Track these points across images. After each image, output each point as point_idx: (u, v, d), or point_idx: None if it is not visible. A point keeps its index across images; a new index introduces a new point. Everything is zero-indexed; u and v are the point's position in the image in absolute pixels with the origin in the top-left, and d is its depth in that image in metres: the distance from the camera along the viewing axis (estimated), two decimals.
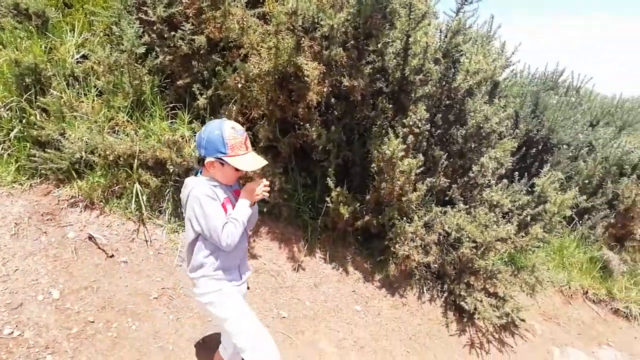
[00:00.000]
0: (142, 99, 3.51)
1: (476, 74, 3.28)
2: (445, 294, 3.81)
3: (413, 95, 3.51)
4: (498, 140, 3.82)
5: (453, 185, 3.70)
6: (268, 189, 2.18)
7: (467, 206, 3.60)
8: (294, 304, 3.44)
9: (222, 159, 2.01)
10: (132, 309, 2.94)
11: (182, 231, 3.43)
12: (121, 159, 3.25)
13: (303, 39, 3.02)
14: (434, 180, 3.54)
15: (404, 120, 3.31)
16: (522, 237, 3.48)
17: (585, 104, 4.89)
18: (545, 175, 3.47)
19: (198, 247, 2.08)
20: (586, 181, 4.60)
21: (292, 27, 3.01)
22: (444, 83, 3.56)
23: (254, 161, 2.10)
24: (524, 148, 4.55)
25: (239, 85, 3.09)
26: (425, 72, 3.32)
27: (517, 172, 4.02)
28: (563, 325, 4.15)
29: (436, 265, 3.75)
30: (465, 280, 3.62)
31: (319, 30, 3.00)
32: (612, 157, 4.44)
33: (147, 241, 3.32)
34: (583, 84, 5.87)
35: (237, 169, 2.05)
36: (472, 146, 3.72)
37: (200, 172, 2.13)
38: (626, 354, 3.99)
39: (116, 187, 3.34)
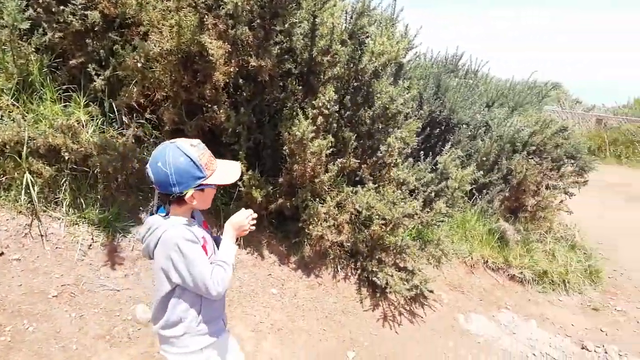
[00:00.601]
0: (30, 80, 3.19)
1: (381, 56, 3.37)
2: (359, 271, 3.93)
3: (322, 76, 3.53)
4: (404, 121, 3.97)
5: (363, 166, 3.80)
6: (255, 221, 1.86)
7: (376, 185, 3.72)
8: None
9: (202, 184, 1.69)
10: (28, 309, 2.71)
11: (82, 223, 3.20)
12: (7, 146, 2.95)
13: (206, 16, 2.90)
14: (345, 161, 3.60)
15: (313, 102, 3.32)
16: (428, 212, 3.67)
17: (481, 86, 5.23)
18: (446, 154, 3.66)
19: (175, 302, 1.74)
20: (484, 158, 4.94)
21: (194, 4, 2.88)
22: (351, 65, 3.62)
23: (231, 168, 1.81)
24: (428, 128, 4.79)
25: (139, 65, 2.91)
26: (333, 53, 3.35)
27: (422, 152, 4.22)
28: (467, 293, 4.45)
29: (349, 244, 3.84)
30: (377, 257, 3.76)
31: (223, 8, 2.90)
32: (506, 136, 4.81)
33: (42, 236, 3.05)
34: (480, 67, 6.29)
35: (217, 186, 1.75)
36: (380, 127, 3.83)
37: (163, 211, 1.73)
38: (521, 315, 4.37)
39: (3, 178, 3.03)
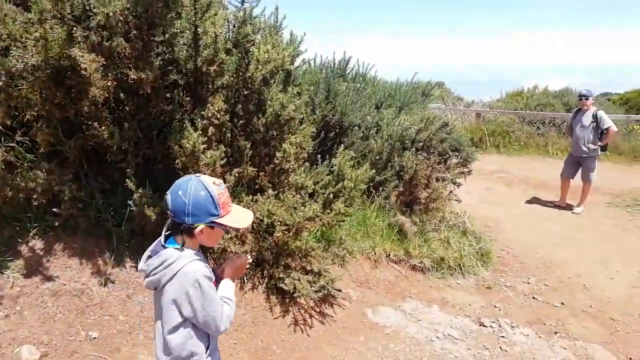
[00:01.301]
0: None
1: (267, 63, 3.39)
2: (267, 279, 3.90)
3: (210, 86, 3.47)
4: (298, 126, 4.03)
5: (261, 173, 3.79)
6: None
7: (276, 192, 3.73)
8: (105, 322, 3.14)
9: (214, 222, 1.71)
10: None
11: None
12: None
13: (75, 28, 2.71)
14: (242, 170, 3.57)
15: (202, 113, 3.25)
16: (328, 213, 3.75)
17: (369, 89, 5.48)
18: (340, 155, 3.78)
19: (186, 334, 1.73)
20: (377, 157, 5.17)
21: (60, 16, 2.68)
22: (240, 73, 3.60)
23: (244, 214, 1.84)
24: (323, 132, 4.90)
25: (0, 84, 2.64)
26: (219, 62, 3.31)
27: (319, 155, 4.31)
28: (373, 287, 4.62)
29: (254, 253, 3.80)
30: (283, 263, 3.76)
31: (94, 19, 2.73)
32: (395, 134, 5.08)
33: None
34: (367, 70, 6.58)
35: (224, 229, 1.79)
36: (275, 134, 3.85)
37: (175, 242, 1.74)
38: (425, 302, 4.61)
39: None
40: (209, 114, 3.21)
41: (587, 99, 7.16)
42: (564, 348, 3.96)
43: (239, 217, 1.79)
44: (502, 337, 4.07)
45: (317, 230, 4.24)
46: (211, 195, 1.68)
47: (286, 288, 3.65)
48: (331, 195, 3.83)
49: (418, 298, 4.68)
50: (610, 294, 4.87)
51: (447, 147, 5.56)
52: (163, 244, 1.75)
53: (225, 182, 3.46)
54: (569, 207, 7.48)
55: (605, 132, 6.99)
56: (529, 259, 5.64)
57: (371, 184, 5.36)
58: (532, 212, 7.27)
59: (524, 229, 6.57)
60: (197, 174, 1.74)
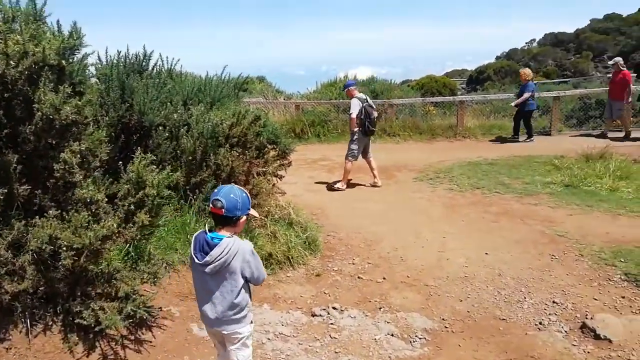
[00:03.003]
0: None
1: (23, 59, 2.77)
2: (62, 316, 3.28)
3: None
4: (83, 131, 3.44)
5: (37, 191, 3.13)
6: None
7: (60, 211, 3.12)
8: None
9: (248, 213, 2.60)
10: None
11: None
12: None
13: None
14: (6, 190, 2.88)
15: None
16: (130, 227, 3.28)
17: (169, 84, 5.04)
18: (137, 160, 3.32)
19: (244, 290, 2.61)
20: (190, 158, 4.80)
21: None
22: None
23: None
24: (123, 136, 4.35)
25: None
26: None
27: (121, 162, 3.77)
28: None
29: (42, 288, 3.15)
30: (80, 293, 3.18)
31: None
32: (206, 131, 4.75)
33: None
34: (173, 65, 6.10)
35: None
36: (52, 142, 3.22)
37: (216, 234, 2.53)
38: (255, 302, 4.41)
39: None
40: None
41: (346, 89, 8.15)
42: (388, 322, 4.15)
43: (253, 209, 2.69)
44: (332, 324, 4.11)
45: (123, 248, 3.72)
46: (248, 197, 2.58)
47: (86, 322, 3.09)
48: (132, 207, 3.36)
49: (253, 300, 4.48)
50: (423, 261, 5.30)
51: (263, 141, 5.43)
52: (210, 238, 2.49)
53: None
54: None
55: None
56: (352, 240, 5.87)
57: (187, 187, 4.98)
58: (352, 195, 7.64)
59: (346, 212, 6.84)
60: (230, 184, 2.64)
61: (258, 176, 5.37)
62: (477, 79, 32.18)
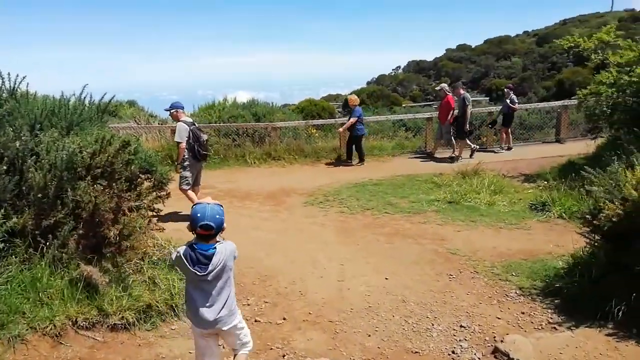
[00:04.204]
0: None
1: None
2: None
3: None
4: None
5: None
6: None
7: None
8: None
9: None
10: None
11: None
12: None
13: None
14: None
15: None
16: None
17: (6, 106, 4.07)
18: None
19: (233, 287, 3.02)
20: (40, 195, 3.87)
21: None
22: None
23: None
24: None
25: None
26: None
27: None
28: None
29: None
30: None
31: None
32: (61, 161, 3.87)
33: None
34: (17, 85, 5.04)
35: None
36: None
37: (205, 246, 2.82)
38: None
39: None
40: None
41: (171, 112, 7.17)
42: None
43: None
44: None
45: None
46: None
47: None
48: None
49: None
50: (324, 294, 4.90)
51: (135, 170, 4.64)
52: (205, 250, 2.80)
53: None
54: None
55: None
56: (245, 277, 5.26)
57: (37, 232, 4.00)
58: (241, 223, 7.02)
59: (236, 242, 6.20)
60: (206, 201, 2.85)
61: (130, 212, 4.54)
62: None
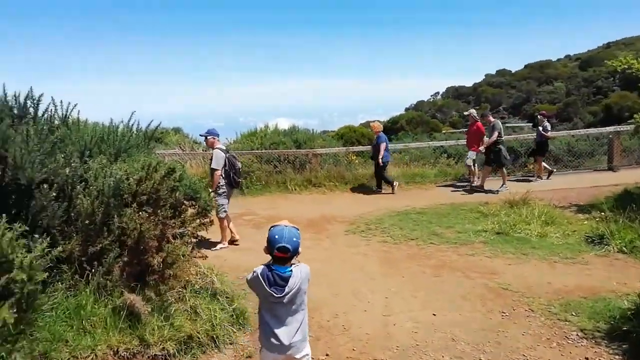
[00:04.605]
0: None
1: None
2: None
3: None
4: None
5: None
6: None
7: None
8: None
9: None
10: None
11: None
12: None
13: None
14: None
15: None
16: None
17: (59, 131, 4.14)
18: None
19: (306, 312, 2.95)
20: (87, 222, 3.87)
21: None
22: None
23: None
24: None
25: None
26: None
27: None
28: None
29: None
30: None
31: None
32: (108, 188, 3.88)
33: None
34: (69, 112, 5.17)
35: None
36: None
37: (282, 268, 2.81)
38: None
39: None
40: None
41: (205, 138, 7.40)
42: None
43: None
44: None
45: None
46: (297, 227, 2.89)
47: None
48: None
49: None
50: (368, 329, 4.68)
51: (180, 197, 4.62)
52: (282, 272, 2.79)
53: None
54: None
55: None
56: None
57: (83, 258, 4.00)
58: None
59: None
60: (284, 224, 2.86)
61: (174, 239, 4.50)
62: (391, 129, 33.39)
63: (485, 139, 10.78)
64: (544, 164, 11.77)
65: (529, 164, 12.95)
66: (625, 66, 9.26)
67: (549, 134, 11.75)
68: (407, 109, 51.11)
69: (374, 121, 12.94)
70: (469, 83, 55.35)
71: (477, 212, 8.85)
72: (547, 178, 11.56)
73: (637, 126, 8.85)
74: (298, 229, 2.86)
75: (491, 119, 10.96)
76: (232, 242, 7.56)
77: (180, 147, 13.03)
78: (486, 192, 10.69)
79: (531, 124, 30.50)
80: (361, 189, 11.47)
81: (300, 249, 2.85)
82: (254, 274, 2.86)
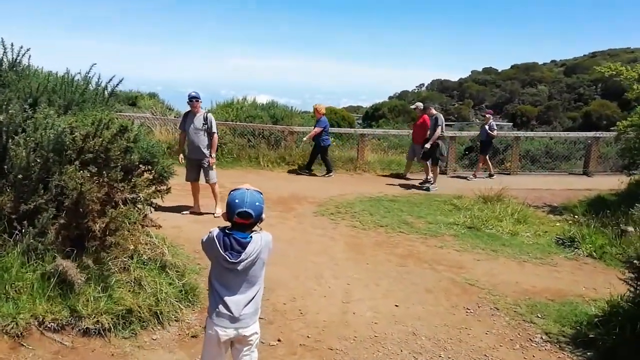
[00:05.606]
0: None
1: None
2: None
3: None
4: None
5: None
6: None
7: None
8: None
9: None
10: None
11: None
12: None
13: None
14: None
15: None
16: None
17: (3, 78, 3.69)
18: None
19: (262, 286, 2.70)
20: (21, 176, 3.46)
21: None
22: None
23: None
24: None
25: None
26: None
27: None
28: None
29: None
30: None
31: None
32: (47, 141, 3.46)
33: None
34: (20, 56, 4.69)
35: None
36: None
37: (243, 234, 2.52)
38: None
39: None
40: None
41: (197, 101, 7.05)
42: None
43: None
44: None
45: None
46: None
47: None
48: None
49: None
50: (326, 316, 4.41)
51: (134, 159, 4.22)
52: (241, 237, 2.50)
53: None
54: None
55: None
56: None
57: (15, 216, 3.60)
58: None
59: None
60: (245, 187, 2.54)
61: (124, 205, 4.11)
62: (372, 116, 33.10)
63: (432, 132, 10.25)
64: (489, 163, 11.64)
65: (507, 162, 12.85)
66: (614, 72, 9.09)
67: (494, 132, 11.57)
68: (390, 97, 50.83)
69: (319, 104, 11.81)
70: (455, 77, 55.36)
71: (450, 204, 8.65)
72: (489, 177, 11.39)
73: (619, 133, 8.74)
74: (261, 193, 2.55)
75: (433, 111, 10.52)
76: (195, 212, 7.21)
77: (152, 112, 12.46)
78: (420, 187, 10.31)
79: (511, 124, 30.72)
80: (335, 171, 11.17)
81: (264, 215, 2.56)
82: (209, 234, 2.57)
